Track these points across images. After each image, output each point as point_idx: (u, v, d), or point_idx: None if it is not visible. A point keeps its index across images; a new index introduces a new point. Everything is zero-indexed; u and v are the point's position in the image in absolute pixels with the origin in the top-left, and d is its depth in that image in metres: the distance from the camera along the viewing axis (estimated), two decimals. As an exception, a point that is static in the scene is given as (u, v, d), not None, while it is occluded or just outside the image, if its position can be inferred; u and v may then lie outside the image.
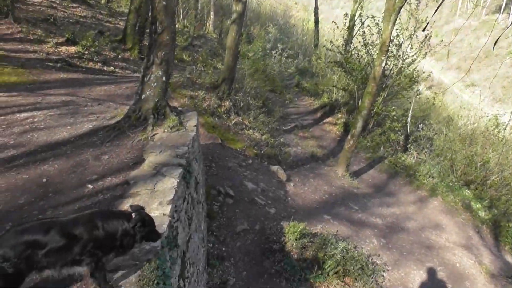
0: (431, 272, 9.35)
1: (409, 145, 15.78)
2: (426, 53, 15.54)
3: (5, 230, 2.86)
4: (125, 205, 4.08)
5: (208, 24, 28.36)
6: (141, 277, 3.10)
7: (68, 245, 2.74)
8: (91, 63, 12.70)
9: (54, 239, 2.69)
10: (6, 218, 3.83)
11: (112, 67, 13.32)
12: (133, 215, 2.97)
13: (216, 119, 12.33)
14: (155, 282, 3.08)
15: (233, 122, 12.80)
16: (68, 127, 6.38)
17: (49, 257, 2.70)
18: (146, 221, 2.97)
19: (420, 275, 9.12)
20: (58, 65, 11.23)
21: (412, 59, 15.44)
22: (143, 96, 6.52)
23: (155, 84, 6.48)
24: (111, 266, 3.10)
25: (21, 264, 2.62)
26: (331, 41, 17.36)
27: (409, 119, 15.81)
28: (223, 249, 7.53)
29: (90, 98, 8.62)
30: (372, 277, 7.88)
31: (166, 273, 3.30)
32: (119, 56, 14.74)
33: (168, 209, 4.08)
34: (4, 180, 4.50)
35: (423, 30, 9.00)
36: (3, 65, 9.55)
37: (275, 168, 11.24)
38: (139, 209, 3.06)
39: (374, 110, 15.22)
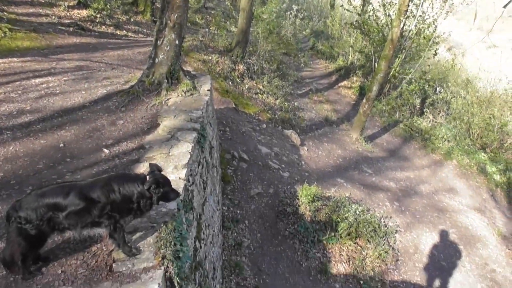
0: (443, 234, 9.43)
1: (425, 109, 15.51)
2: (447, 13, 14.89)
3: (26, 193, 2.95)
4: (141, 169, 4.13)
5: (221, -16, 27.66)
6: (158, 238, 3.18)
7: (87, 208, 2.82)
8: (103, 26, 12.62)
9: (73, 202, 2.78)
10: (26, 182, 3.93)
11: (124, 31, 13.22)
12: (147, 177, 3.02)
13: (230, 83, 12.24)
14: (172, 243, 3.16)
15: (247, 86, 12.70)
16: (83, 92, 6.42)
17: (69, 219, 2.79)
18: (160, 183, 3.00)
19: (432, 237, 9.22)
20: (71, 29, 11.18)
21: (433, 19, 14.82)
22: (156, 60, 6.47)
23: (168, 47, 6.41)
24: (129, 227, 3.18)
25: (43, 226, 2.73)
26: (349, 0, 16.68)
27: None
28: (238, 212, 7.67)
29: (104, 63, 8.62)
30: (384, 239, 8.01)
31: (183, 234, 3.38)
32: (132, 19, 14.59)
33: (183, 173, 4.13)
34: (22, 145, 4.59)
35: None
36: (15, 30, 9.52)
37: (289, 132, 11.23)
38: (154, 171, 3.09)
39: (391, 73, 14.89)
